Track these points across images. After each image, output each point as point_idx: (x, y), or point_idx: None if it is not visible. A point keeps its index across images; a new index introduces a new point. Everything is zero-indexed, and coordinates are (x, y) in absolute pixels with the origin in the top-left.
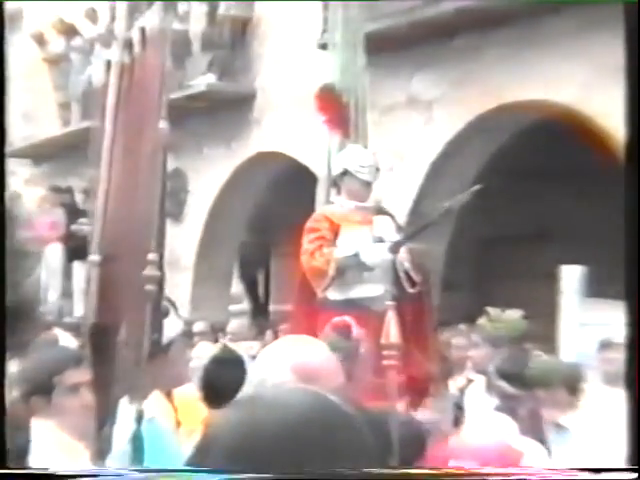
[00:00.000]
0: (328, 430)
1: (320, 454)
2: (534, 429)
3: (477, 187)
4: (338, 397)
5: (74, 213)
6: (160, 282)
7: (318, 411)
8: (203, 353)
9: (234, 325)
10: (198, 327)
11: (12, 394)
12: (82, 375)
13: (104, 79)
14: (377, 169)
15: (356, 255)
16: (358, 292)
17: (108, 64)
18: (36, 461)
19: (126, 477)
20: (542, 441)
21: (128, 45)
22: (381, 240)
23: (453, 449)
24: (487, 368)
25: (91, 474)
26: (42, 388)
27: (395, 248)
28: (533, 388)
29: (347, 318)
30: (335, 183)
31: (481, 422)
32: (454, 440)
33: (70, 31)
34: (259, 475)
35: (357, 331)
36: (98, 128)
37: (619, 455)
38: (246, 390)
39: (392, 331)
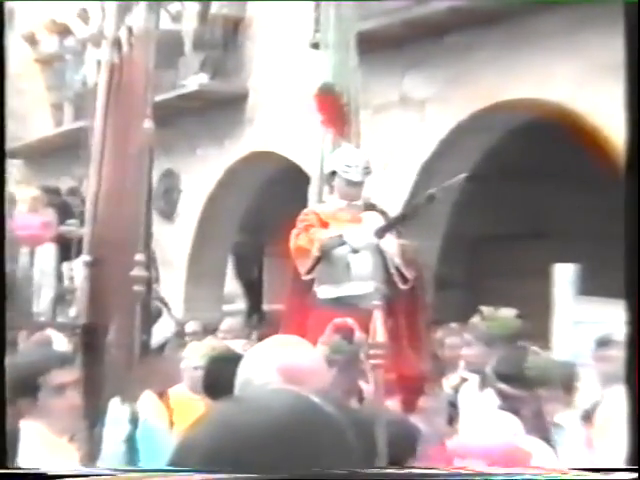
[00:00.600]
0: (309, 432)
1: (301, 456)
2: (539, 429)
3: (464, 175)
4: (321, 398)
5: (64, 214)
6: (149, 283)
7: (299, 412)
8: (194, 353)
9: (227, 324)
10: (191, 327)
11: None
12: (68, 376)
13: (96, 79)
14: (366, 168)
15: (340, 237)
16: (348, 290)
17: (99, 64)
18: (25, 462)
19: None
20: (547, 440)
21: (117, 45)
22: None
23: (458, 448)
24: (482, 367)
25: (84, 474)
26: (28, 389)
27: (381, 233)
28: (533, 387)
29: (349, 320)
30: (328, 183)
31: (485, 421)
32: (458, 439)
33: (62, 31)
34: (241, 475)
35: (359, 334)
36: (90, 128)
37: (616, 454)
38: (235, 390)
39: (379, 330)
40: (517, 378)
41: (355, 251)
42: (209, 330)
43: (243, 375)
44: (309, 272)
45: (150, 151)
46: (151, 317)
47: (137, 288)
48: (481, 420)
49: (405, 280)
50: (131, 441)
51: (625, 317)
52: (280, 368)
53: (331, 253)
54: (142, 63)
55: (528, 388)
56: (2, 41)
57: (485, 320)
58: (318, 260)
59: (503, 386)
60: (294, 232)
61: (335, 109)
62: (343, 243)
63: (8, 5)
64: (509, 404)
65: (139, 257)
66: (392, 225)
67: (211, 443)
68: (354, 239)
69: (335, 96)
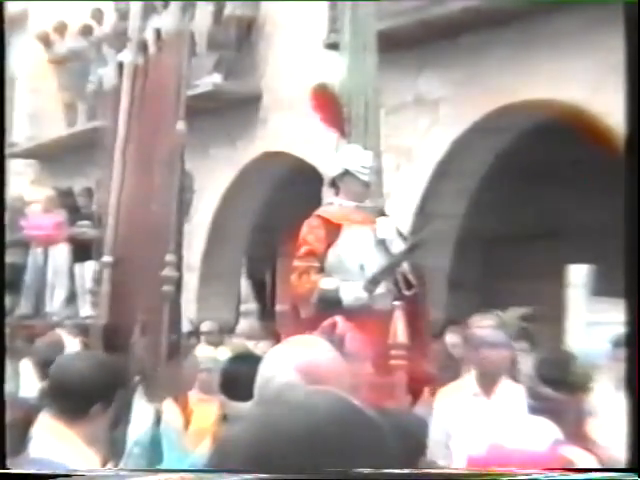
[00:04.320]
0: (351, 434)
1: (342, 457)
2: (579, 436)
3: (437, 224)
4: (359, 400)
5: (77, 215)
6: (178, 283)
7: (341, 414)
8: (203, 355)
9: (243, 325)
10: (205, 327)
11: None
12: None
13: (115, 80)
14: (376, 170)
15: (336, 291)
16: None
17: (120, 65)
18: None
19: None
20: (589, 449)
21: (142, 46)
22: (384, 242)
23: (496, 456)
24: (515, 370)
25: (93, 474)
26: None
27: (371, 287)
28: (577, 392)
29: (337, 318)
30: (334, 183)
31: (522, 427)
32: (492, 445)
33: (76, 32)
34: (279, 476)
35: (342, 326)
36: (109, 129)
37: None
38: (255, 390)
39: (399, 331)
40: (563, 382)
41: (347, 305)
42: (224, 330)
43: (263, 375)
44: (308, 314)
45: (182, 152)
46: (179, 317)
47: (167, 288)
48: (516, 425)
49: (409, 286)
50: (155, 442)
51: (625, 317)
52: (299, 368)
53: (339, 267)
54: (173, 65)
55: (572, 393)
56: (3, 43)
57: (503, 322)
58: (318, 305)
59: (548, 390)
60: (297, 266)
61: (331, 108)
62: (338, 298)
63: (21, 6)
64: (549, 409)
65: (170, 257)
66: (379, 279)
67: (251, 444)
68: (347, 294)
69: (330, 95)
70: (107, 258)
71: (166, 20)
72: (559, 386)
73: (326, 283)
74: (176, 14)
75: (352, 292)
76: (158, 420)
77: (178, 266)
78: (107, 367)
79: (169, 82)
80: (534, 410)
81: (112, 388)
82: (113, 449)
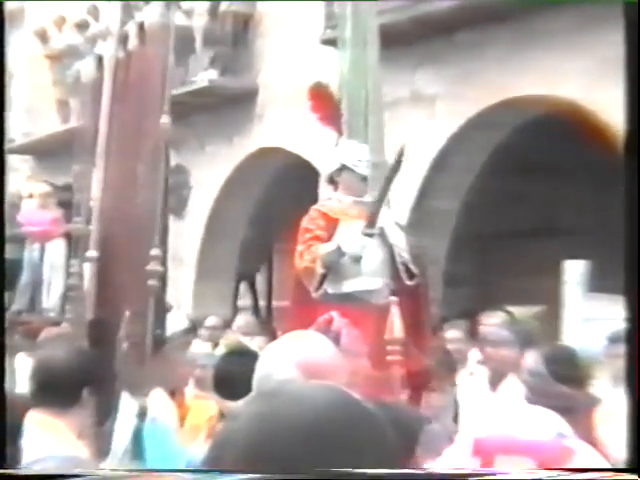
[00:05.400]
0: (350, 427)
1: (342, 451)
2: (589, 430)
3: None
4: (359, 394)
5: (73, 210)
6: (163, 277)
7: (340, 408)
8: (199, 351)
9: (239, 321)
10: (209, 322)
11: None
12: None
13: (94, 74)
14: (373, 164)
15: (338, 249)
16: (356, 285)
17: (99, 59)
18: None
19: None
20: (594, 444)
21: (123, 40)
22: (382, 232)
23: (501, 443)
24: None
25: (92, 475)
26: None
27: (368, 230)
28: (585, 386)
29: (333, 313)
30: (332, 179)
31: (530, 417)
32: (495, 433)
33: (72, 28)
34: (278, 476)
35: (338, 322)
36: (87, 122)
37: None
38: (253, 386)
39: (396, 326)
40: (570, 377)
41: (356, 260)
42: (220, 326)
43: (262, 371)
44: (318, 289)
45: (166, 146)
46: (164, 312)
47: (151, 282)
48: (520, 416)
49: (412, 276)
50: (138, 436)
51: (624, 314)
52: (299, 363)
53: (335, 265)
54: (157, 59)
55: (579, 387)
56: (2, 41)
57: (514, 320)
58: (325, 276)
59: (561, 387)
60: (299, 249)
61: (329, 107)
62: (343, 254)
63: (18, 2)
64: (560, 406)
65: (155, 252)
66: (374, 217)
67: (250, 438)
68: (349, 247)
69: (328, 94)
70: (91, 253)
71: (150, 14)
72: (567, 382)
73: (325, 247)
74: (159, 8)
75: (353, 242)
76: (141, 415)
77: (163, 260)
78: (85, 355)
79: (153, 76)
80: (545, 407)
81: (93, 375)
82: (101, 444)
